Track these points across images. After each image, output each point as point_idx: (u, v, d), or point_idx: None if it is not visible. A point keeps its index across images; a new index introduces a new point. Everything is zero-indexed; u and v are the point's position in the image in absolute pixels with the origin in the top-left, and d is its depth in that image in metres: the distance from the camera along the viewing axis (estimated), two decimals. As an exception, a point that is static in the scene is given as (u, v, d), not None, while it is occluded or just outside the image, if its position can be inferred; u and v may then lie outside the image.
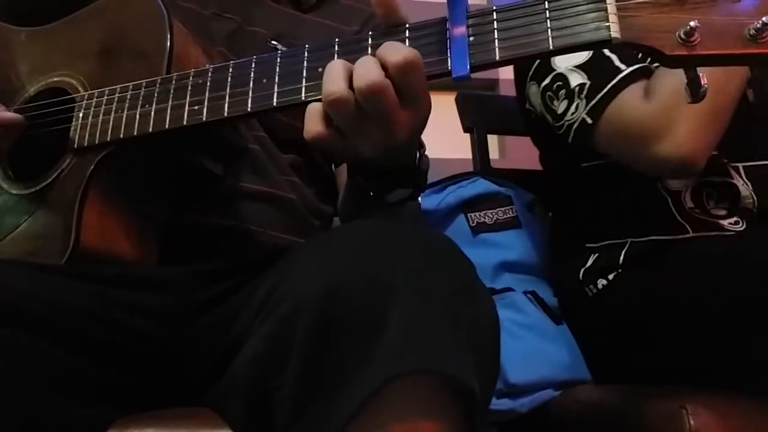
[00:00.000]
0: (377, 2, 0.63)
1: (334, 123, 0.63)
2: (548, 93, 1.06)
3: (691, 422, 0.75)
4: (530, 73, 1.11)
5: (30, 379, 0.62)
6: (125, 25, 0.81)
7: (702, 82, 0.54)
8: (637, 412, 0.84)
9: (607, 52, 0.99)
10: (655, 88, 0.94)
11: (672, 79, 0.92)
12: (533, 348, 1.04)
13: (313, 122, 0.63)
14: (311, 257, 0.58)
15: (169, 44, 0.76)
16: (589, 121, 0.99)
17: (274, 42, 0.92)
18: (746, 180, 1.01)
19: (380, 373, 0.49)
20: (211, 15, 0.93)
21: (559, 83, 1.03)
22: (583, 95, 0.99)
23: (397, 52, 0.60)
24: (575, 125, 1.01)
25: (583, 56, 1.01)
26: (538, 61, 1.06)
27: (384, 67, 0.60)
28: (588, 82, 0.99)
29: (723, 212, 1.01)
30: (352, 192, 0.74)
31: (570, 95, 1.01)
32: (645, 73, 0.97)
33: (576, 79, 1.01)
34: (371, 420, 0.50)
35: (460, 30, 0.59)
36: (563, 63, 1.03)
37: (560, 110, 1.04)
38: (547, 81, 1.06)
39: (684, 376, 0.91)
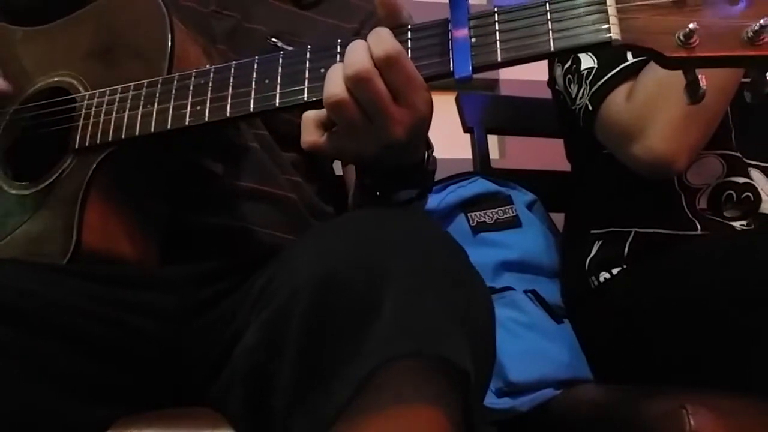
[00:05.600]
0: (380, 3, 0.64)
1: (335, 124, 0.63)
2: (568, 76, 1.07)
3: (691, 422, 0.74)
4: None
5: (30, 379, 0.62)
6: (125, 25, 0.81)
7: (701, 84, 0.54)
8: (637, 411, 0.84)
9: None
10: (635, 90, 0.96)
11: (650, 83, 0.94)
12: (533, 347, 1.04)
13: (309, 131, 0.64)
14: (306, 247, 0.59)
15: (170, 44, 0.76)
16: (590, 107, 1.01)
17: (274, 39, 0.92)
18: None
19: (374, 357, 0.50)
20: (211, 12, 0.93)
21: (575, 66, 1.05)
22: (588, 80, 1.01)
23: (378, 45, 0.60)
24: (582, 110, 1.03)
25: None
26: None
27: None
28: (595, 67, 1.00)
29: (737, 214, 1.01)
30: (360, 191, 0.75)
31: (579, 79, 1.03)
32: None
33: (586, 63, 1.02)
34: (366, 403, 0.50)
35: (462, 31, 0.59)
36: None
37: (574, 93, 1.05)
38: (568, 63, 1.07)
39: (685, 375, 0.91)
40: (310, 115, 0.65)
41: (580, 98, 1.03)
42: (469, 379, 0.52)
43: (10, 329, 0.62)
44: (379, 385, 0.50)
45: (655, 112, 0.93)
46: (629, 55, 0.98)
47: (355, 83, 0.60)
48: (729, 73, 0.92)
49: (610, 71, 0.99)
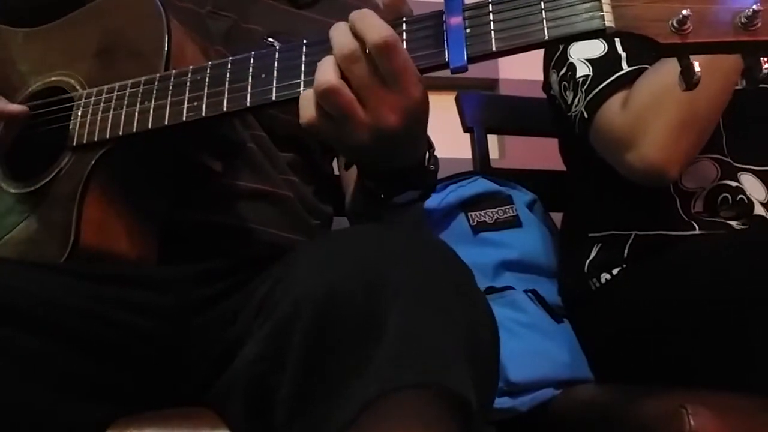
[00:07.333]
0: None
1: (327, 112, 0.63)
2: (563, 83, 1.07)
3: (691, 422, 0.74)
4: (552, 61, 1.12)
5: (29, 379, 0.62)
6: (123, 25, 0.81)
7: (695, 70, 0.54)
8: (637, 411, 0.84)
9: (619, 49, 1.00)
10: (629, 98, 0.96)
11: (645, 92, 0.95)
12: (534, 347, 1.03)
13: (308, 109, 0.64)
14: (310, 259, 0.59)
15: (166, 43, 0.76)
16: (586, 115, 1.01)
17: (270, 39, 0.92)
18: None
19: (377, 384, 0.49)
20: (208, 13, 0.93)
21: (570, 73, 1.05)
22: (584, 88, 1.01)
23: (374, 30, 0.60)
24: (578, 117, 1.03)
25: (598, 51, 1.02)
26: (560, 49, 1.08)
27: (361, 40, 0.60)
28: (591, 75, 1.01)
29: (732, 215, 1.01)
30: (362, 192, 0.75)
31: (575, 86, 1.03)
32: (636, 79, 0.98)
33: (582, 71, 1.03)
34: (367, 428, 0.50)
35: (457, 21, 0.60)
36: (576, 54, 1.05)
37: (569, 100, 1.06)
38: (563, 70, 1.07)
39: (684, 375, 0.91)
40: (309, 93, 0.64)
41: (576, 105, 1.03)
42: (471, 407, 0.52)
43: (9, 329, 0.62)
44: (378, 412, 0.50)
45: (650, 121, 0.93)
46: (624, 64, 0.99)
47: (347, 63, 0.60)
48: (721, 83, 0.92)
49: (606, 79, 0.99)
